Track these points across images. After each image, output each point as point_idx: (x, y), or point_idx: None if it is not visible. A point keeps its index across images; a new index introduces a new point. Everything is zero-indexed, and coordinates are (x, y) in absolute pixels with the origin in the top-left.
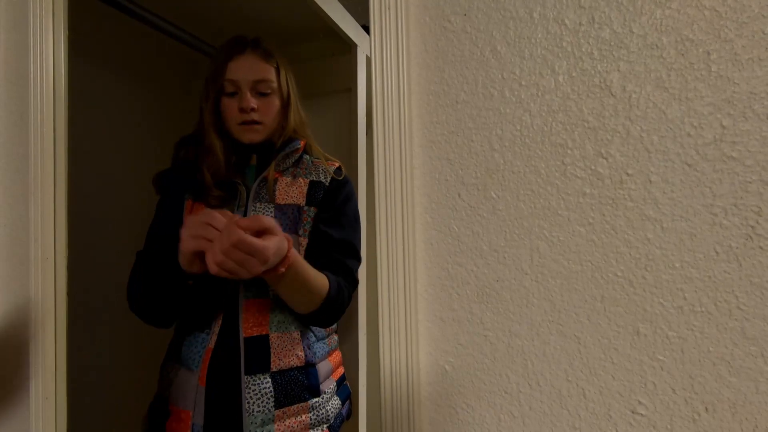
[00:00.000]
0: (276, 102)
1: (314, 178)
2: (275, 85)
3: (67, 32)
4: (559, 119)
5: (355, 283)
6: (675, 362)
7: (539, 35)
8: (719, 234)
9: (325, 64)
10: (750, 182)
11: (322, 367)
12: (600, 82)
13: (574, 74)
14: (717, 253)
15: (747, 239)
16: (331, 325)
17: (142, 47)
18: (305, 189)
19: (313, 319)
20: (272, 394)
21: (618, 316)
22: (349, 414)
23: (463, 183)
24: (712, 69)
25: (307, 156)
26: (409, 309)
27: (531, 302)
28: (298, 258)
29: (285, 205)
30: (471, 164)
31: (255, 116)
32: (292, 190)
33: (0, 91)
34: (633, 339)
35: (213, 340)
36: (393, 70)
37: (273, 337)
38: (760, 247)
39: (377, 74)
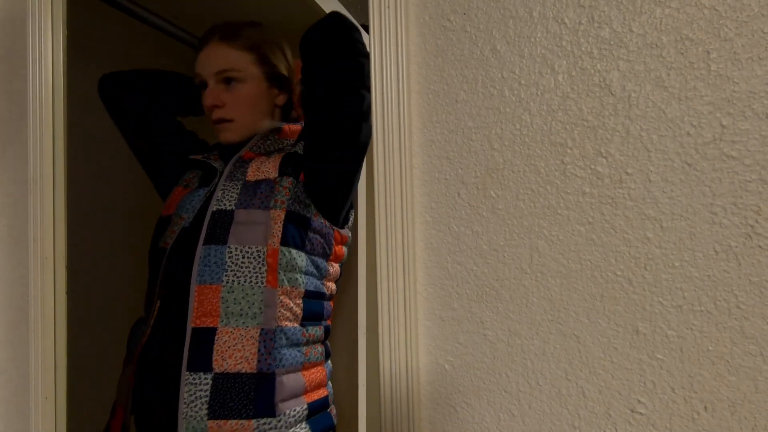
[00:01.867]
0: (246, 91)
1: (289, 151)
2: (246, 72)
3: (66, 31)
4: (559, 118)
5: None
6: (674, 361)
7: (539, 34)
8: (719, 233)
9: None
10: (749, 181)
11: (287, 381)
12: (600, 81)
13: (573, 73)
14: (716, 252)
15: (746, 238)
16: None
17: (142, 47)
18: (278, 162)
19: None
20: (207, 399)
21: (617, 315)
22: None
23: (462, 182)
24: (712, 68)
25: (292, 141)
26: (409, 308)
27: (531, 301)
28: None
29: (255, 181)
30: (470, 163)
31: (221, 113)
32: (264, 166)
33: None
34: (632, 338)
35: (147, 332)
36: (392, 69)
37: (221, 331)
38: (760, 246)
39: (376, 73)
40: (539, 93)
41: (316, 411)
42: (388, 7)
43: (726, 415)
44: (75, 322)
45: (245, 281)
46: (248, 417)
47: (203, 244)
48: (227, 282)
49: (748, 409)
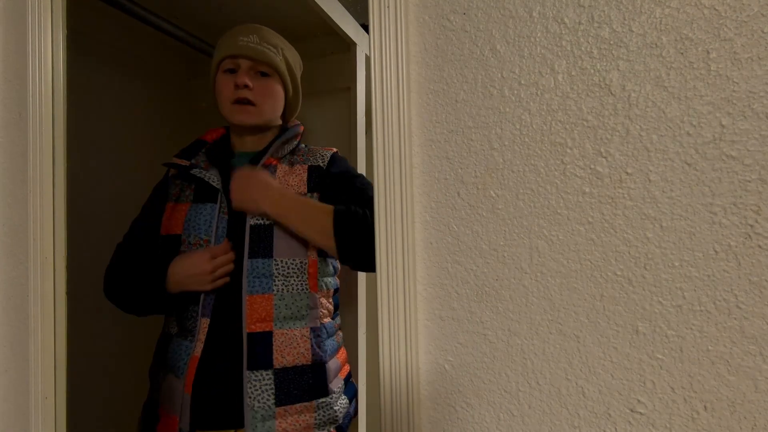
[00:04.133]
0: (275, 86)
1: (312, 163)
2: (278, 69)
3: (66, 31)
4: (559, 118)
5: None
6: (674, 361)
7: (539, 34)
8: (718, 233)
9: (324, 63)
10: (749, 181)
11: (332, 365)
12: (599, 81)
13: (573, 73)
14: (716, 251)
15: (746, 238)
16: (368, 255)
17: (141, 46)
18: (305, 175)
19: (343, 247)
20: (273, 391)
21: (617, 315)
22: (355, 411)
23: (462, 182)
24: (712, 68)
25: (303, 145)
26: (409, 308)
27: (530, 301)
28: (283, 200)
29: None
30: (470, 163)
31: (249, 95)
32: (291, 178)
33: None
34: (632, 338)
35: (199, 348)
36: (392, 68)
37: (277, 333)
38: (759, 246)
39: (376, 73)
40: (539, 93)
41: (347, 382)
42: (388, 7)
43: (726, 414)
44: (75, 322)
45: (293, 289)
46: (309, 399)
47: (249, 258)
48: (278, 291)
49: (748, 408)
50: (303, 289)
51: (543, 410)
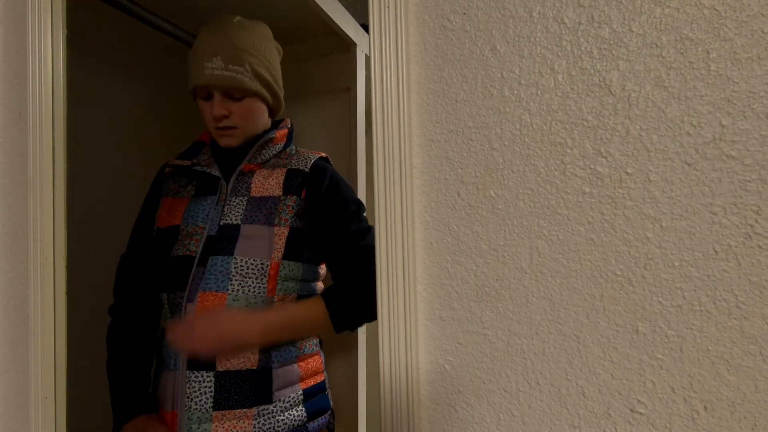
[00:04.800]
0: (253, 106)
1: (293, 167)
2: (250, 90)
3: (66, 31)
4: (559, 118)
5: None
6: (674, 361)
7: (538, 34)
8: (718, 233)
9: (324, 63)
10: (749, 181)
11: (282, 373)
12: (599, 81)
13: (573, 73)
14: (716, 251)
15: (746, 238)
16: (368, 321)
17: (141, 46)
18: (282, 178)
19: (351, 328)
20: (212, 393)
21: (617, 315)
22: (325, 427)
23: (462, 182)
24: (712, 68)
25: (293, 147)
26: (409, 308)
27: (530, 301)
28: (273, 322)
29: (260, 197)
30: (470, 163)
31: (228, 122)
32: (268, 182)
33: None
34: (632, 338)
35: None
36: (392, 68)
37: None
38: (759, 246)
39: (376, 73)
40: (539, 93)
41: (313, 395)
42: (388, 7)
43: (726, 414)
44: (75, 322)
45: (249, 291)
46: (250, 405)
47: (211, 254)
48: (233, 290)
49: (748, 408)
50: (260, 292)
51: (543, 410)
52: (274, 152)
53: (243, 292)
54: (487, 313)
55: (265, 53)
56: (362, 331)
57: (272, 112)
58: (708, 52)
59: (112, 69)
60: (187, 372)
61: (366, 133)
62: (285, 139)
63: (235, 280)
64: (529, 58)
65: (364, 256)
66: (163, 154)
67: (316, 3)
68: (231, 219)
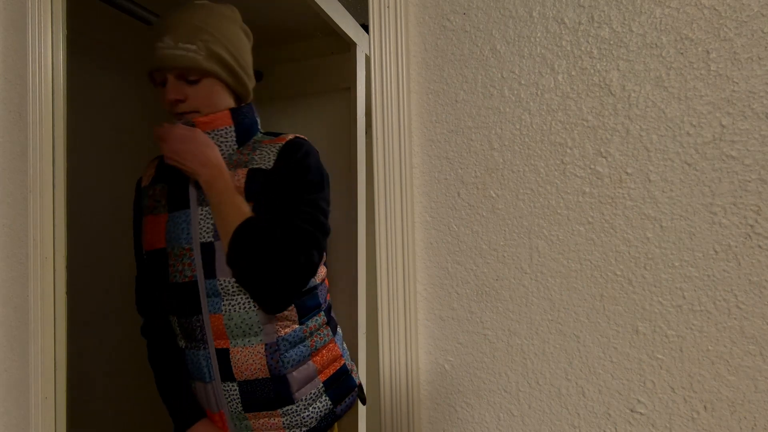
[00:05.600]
0: (211, 87)
1: (255, 165)
2: (206, 70)
3: (66, 31)
4: (559, 118)
5: (307, 240)
6: (674, 361)
7: (538, 34)
8: (718, 233)
9: (324, 63)
10: (749, 181)
11: (298, 374)
12: (599, 81)
13: (573, 73)
14: (716, 251)
15: (746, 238)
16: (269, 267)
17: (142, 46)
18: (243, 181)
19: (237, 268)
20: (239, 400)
21: (617, 315)
22: (354, 404)
23: (462, 182)
24: (712, 68)
25: (259, 134)
26: (409, 308)
27: (530, 301)
28: (225, 182)
29: None
30: (470, 163)
31: (185, 107)
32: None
33: None
34: (632, 338)
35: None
36: (392, 69)
37: (233, 351)
38: (759, 246)
39: (376, 73)
40: (539, 93)
41: (336, 381)
42: (388, 7)
43: (726, 414)
44: (75, 322)
45: (240, 308)
46: (274, 408)
47: (204, 278)
48: (225, 311)
49: (748, 408)
50: (250, 307)
51: (543, 410)
52: (228, 143)
53: (235, 310)
54: (487, 313)
55: (225, 32)
56: (362, 332)
57: (239, 99)
58: (708, 52)
59: (112, 69)
60: (221, 383)
61: (366, 133)
62: (230, 122)
63: (225, 300)
64: (529, 58)
65: (310, 220)
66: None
67: (316, 3)
68: (205, 236)
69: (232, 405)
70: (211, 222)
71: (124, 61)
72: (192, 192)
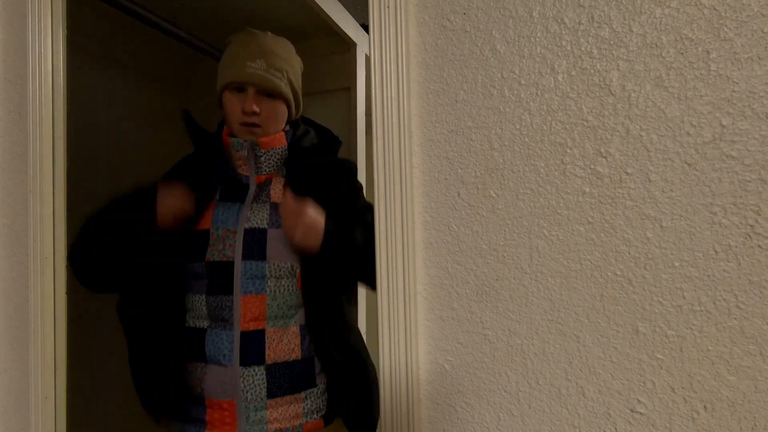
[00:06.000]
0: (280, 108)
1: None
2: (283, 94)
3: (66, 31)
4: (559, 118)
5: None
6: (674, 361)
7: (539, 34)
8: (718, 233)
9: (325, 62)
10: (749, 181)
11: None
12: (599, 81)
13: (573, 73)
14: (716, 251)
15: (746, 238)
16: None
17: (141, 46)
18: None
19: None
20: (265, 385)
21: (617, 315)
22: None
23: (462, 182)
24: (712, 68)
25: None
26: (409, 308)
27: (530, 301)
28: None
29: (278, 203)
30: (470, 163)
31: (256, 119)
32: (280, 188)
33: None
34: (632, 338)
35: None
36: (392, 69)
37: (269, 331)
38: (759, 246)
39: (376, 73)
40: (539, 93)
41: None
42: (388, 7)
43: (726, 414)
44: (75, 322)
45: (284, 290)
46: (299, 390)
47: (243, 260)
48: (270, 291)
49: (748, 408)
50: (293, 290)
51: (543, 410)
52: (279, 158)
53: (279, 292)
54: (487, 313)
55: (295, 67)
56: (362, 332)
57: (289, 118)
58: (708, 52)
59: (112, 69)
60: (240, 368)
61: (366, 133)
62: (284, 143)
63: (271, 282)
64: (529, 58)
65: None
66: (162, 153)
67: (316, 3)
68: (257, 223)
69: (253, 391)
70: (266, 213)
71: (124, 61)
72: (250, 194)
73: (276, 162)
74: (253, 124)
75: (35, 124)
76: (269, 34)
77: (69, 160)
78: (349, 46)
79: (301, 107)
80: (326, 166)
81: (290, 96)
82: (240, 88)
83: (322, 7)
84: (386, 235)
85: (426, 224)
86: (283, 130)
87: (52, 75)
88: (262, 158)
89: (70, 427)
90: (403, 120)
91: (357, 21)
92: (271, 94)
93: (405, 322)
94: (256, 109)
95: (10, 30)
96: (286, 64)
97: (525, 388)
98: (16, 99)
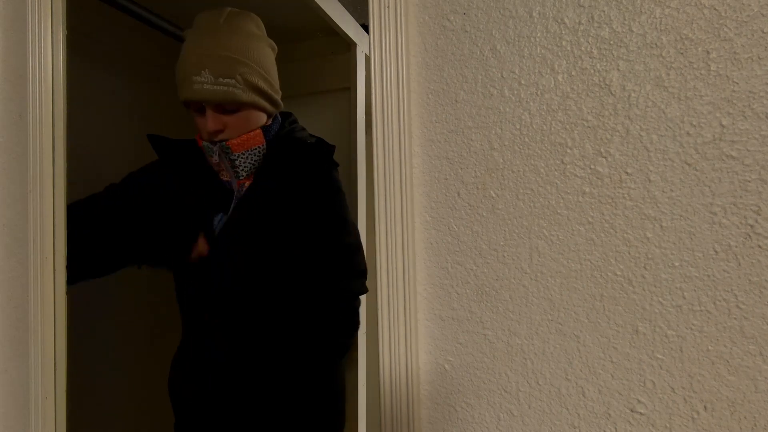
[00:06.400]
0: (248, 115)
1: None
2: (244, 102)
3: (66, 31)
4: (559, 118)
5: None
6: (674, 361)
7: (539, 34)
8: (718, 233)
9: (324, 62)
10: (749, 181)
11: None
12: (599, 81)
13: (573, 73)
14: (716, 252)
15: (746, 238)
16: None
17: (142, 46)
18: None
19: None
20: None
21: (617, 315)
22: None
23: (462, 182)
24: (712, 68)
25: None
26: (409, 308)
27: (530, 301)
28: None
29: None
30: (470, 163)
31: (223, 136)
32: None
33: None
34: (632, 338)
35: None
36: (392, 69)
37: None
38: (759, 246)
39: (376, 73)
40: (539, 93)
41: None
42: (388, 7)
43: (726, 414)
44: (75, 322)
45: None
46: None
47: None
48: None
49: (748, 408)
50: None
51: (543, 410)
52: (258, 158)
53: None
54: (487, 313)
55: (258, 58)
56: (362, 332)
57: (270, 115)
58: (708, 52)
59: (112, 69)
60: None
61: (366, 133)
62: (263, 141)
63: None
64: (529, 58)
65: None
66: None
67: (316, 3)
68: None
69: None
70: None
71: (124, 61)
72: (235, 201)
73: (256, 162)
74: (223, 140)
75: (35, 124)
76: (224, 19)
77: (69, 160)
78: (349, 46)
79: (280, 102)
80: (302, 158)
81: (255, 99)
82: (200, 109)
83: (322, 7)
84: (386, 235)
85: (426, 224)
86: (262, 126)
87: (52, 75)
88: (237, 161)
89: (70, 427)
90: (403, 120)
91: (357, 21)
92: (231, 109)
93: (405, 322)
94: (218, 127)
95: (10, 30)
96: (241, 65)
97: (525, 388)
98: (16, 99)
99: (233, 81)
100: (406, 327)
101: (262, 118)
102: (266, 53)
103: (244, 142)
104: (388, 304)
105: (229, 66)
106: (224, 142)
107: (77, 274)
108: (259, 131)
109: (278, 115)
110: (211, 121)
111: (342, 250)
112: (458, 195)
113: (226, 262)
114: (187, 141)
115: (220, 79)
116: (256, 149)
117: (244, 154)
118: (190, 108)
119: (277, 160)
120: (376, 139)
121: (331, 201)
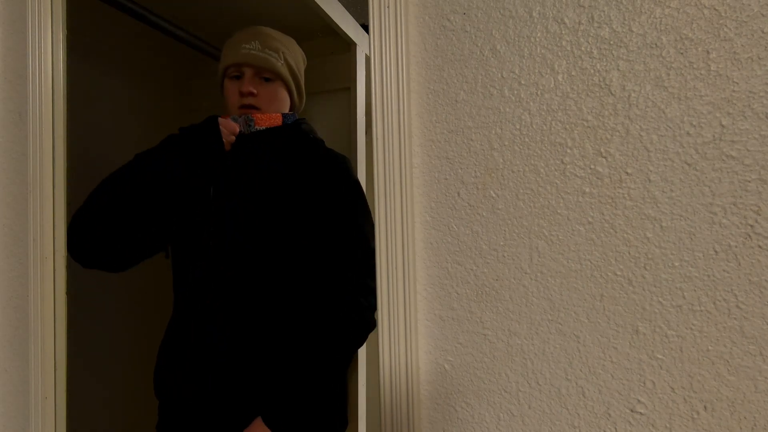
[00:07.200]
0: (278, 90)
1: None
2: (281, 74)
3: (66, 31)
4: (559, 118)
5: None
6: (674, 361)
7: (538, 34)
8: (718, 233)
9: (324, 62)
10: (749, 181)
11: None
12: (599, 81)
13: (573, 73)
14: (716, 252)
15: (746, 238)
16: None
17: (141, 46)
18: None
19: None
20: None
21: (617, 315)
22: None
23: (462, 182)
24: (712, 68)
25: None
26: (409, 308)
27: (530, 301)
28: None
29: None
30: (470, 163)
31: (254, 101)
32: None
33: None
34: (632, 338)
35: None
36: (392, 69)
37: None
38: (759, 246)
39: (376, 73)
40: (539, 93)
41: None
42: (388, 7)
43: (726, 414)
44: (75, 322)
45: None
46: None
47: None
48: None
49: (748, 408)
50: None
51: (543, 410)
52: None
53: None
54: (487, 313)
55: (294, 53)
56: None
57: (293, 107)
58: (708, 52)
59: (112, 69)
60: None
61: (366, 133)
62: (279, 122)
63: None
64: (529, 58)
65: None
66: None
67: (316, 3)
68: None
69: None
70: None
71: (124, 61)
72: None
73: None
74: (252, 106)
75: (35, 124)
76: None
77: (69, 160)
78: (349, 46)
79: (304, 97)
80: (318, 153)
81: (289, 78)
82: (238, 76)
83: (322, 7)
84: (386, 235)
85: (426, 224)
86: (283, 113)
87: (52, 75)
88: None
89: (70, 427)
90: (403, 120)
91: (357, 21)
92: (268, 77)
93: (405, 323)
94: (253, 90)
95: (10, 30)
96: (283, 46)
97: (525, 388)
98: (16, 99)
99: (276, 54)
100: (406, 327)
101: (286, 103)
102: (301, 55)
103: (267, 118)
104: (388, 304)
105: (274, 44)
106: (250, 114)
107: (138, 254)
108: (279, 115)
109: (296, 114)
110: (247, 83)
111: (358, 235)
112: (458, 195)
113: (236, 234)
114: (206, 121)
115: (266, 50)
116: (274, 129)
117: (264, 131)
118: (226, 76)
119: (291, 142)
120: (376, 139)
121: (352, 189)
